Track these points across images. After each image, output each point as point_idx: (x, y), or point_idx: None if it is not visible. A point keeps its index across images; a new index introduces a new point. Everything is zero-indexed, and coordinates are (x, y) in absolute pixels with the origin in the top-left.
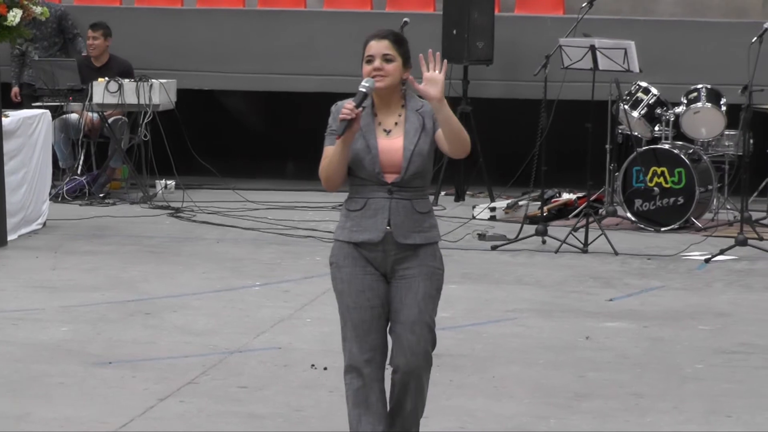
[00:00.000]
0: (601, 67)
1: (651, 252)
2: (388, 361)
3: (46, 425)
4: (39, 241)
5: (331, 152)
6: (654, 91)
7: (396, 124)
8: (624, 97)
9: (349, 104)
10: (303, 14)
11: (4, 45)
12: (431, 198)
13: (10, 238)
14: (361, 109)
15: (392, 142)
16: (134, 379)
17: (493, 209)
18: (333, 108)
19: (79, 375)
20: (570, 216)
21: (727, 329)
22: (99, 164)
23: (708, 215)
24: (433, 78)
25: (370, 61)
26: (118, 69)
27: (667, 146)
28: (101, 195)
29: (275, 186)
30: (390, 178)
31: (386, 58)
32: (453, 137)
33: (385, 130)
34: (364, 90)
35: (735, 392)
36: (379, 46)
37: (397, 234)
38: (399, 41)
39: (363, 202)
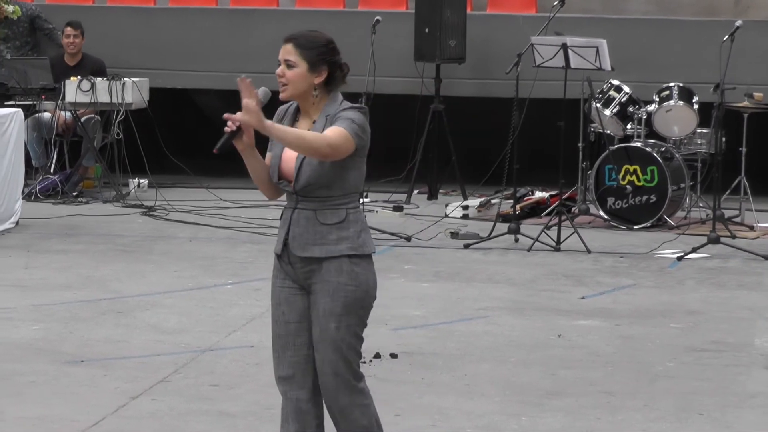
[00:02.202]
0: (573, 66)
1: (623, 250)
2: None
3: (17, 424)
4: (11, 239)
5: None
6: (626, 89)
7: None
8: (596, 96)
9: (236, 116)
10: (275, 13)
11: None
12: (351, 209)
13: None
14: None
15: (293, 151)
16: (106, 377)
17: (465, 207)
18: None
19: (51, 374)
20: (543, 214)
21: (699, 327)
22: (72, 163)
23: (680, 213)
24: (247, 106)
25: (279, 64)
26: (91, 67)
27: (639, 144)
28: (74, 194)
29: (248, 185)
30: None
31: (287, 64)
32: (301, 151)
33: None
34: None
35: (706, 390)
36: (283, 50)
37: (294, 246)
38: (304, 45)
39: (282, 211)
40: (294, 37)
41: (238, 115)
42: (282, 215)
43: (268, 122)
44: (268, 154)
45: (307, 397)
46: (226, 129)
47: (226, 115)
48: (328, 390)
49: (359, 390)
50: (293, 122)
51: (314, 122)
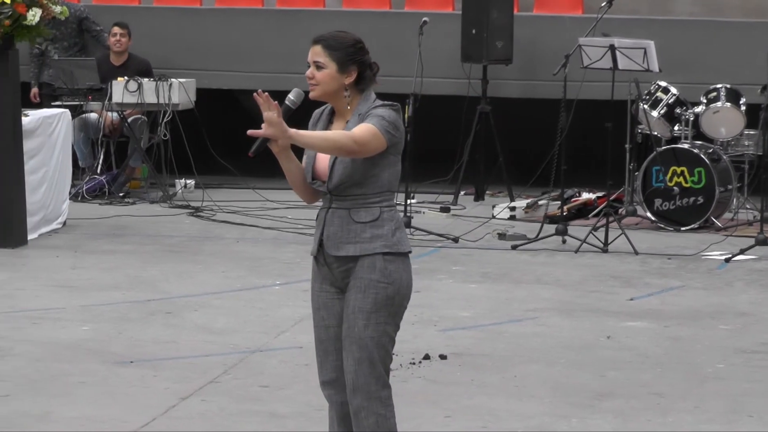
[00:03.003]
0: (620, 67)
1: (671, 251)
2: None
3: (67, 424)
4: (59, 240)
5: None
6: (673, 90)
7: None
8: (643, 97)
9: (259, 132)
10: (322, 14)
11: (24, 44)
12: (385, 207)
13: (30, 237)
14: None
15: None
16: (155, 378)
17: (512, 209)
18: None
19: (101, 374)
20: (590, 216)
21: (748, 329)
22: (118, 163)
23: (728, 215)
24: (269, 119)
25: (309, 66)
26: (137, 67)
27: (686, 146)
28: (121, 194)
29: None
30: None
31: (317, 65)
32: (330, 151)
33: None
34: (288, 103)
35: (756, 392)
36: (312, 52)
37: (329, 245)
38: (332, 46)
39: (318, 212)
40: (322, 38)
41: (262, 128)
42: (317, 216)
43: (292, 131)
44: (304, 157)
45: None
46: (250, 132)
47: (249, 132)
48: (349, 388)
49: (379, 398)
50: (328, 124)
51: (347, 122)
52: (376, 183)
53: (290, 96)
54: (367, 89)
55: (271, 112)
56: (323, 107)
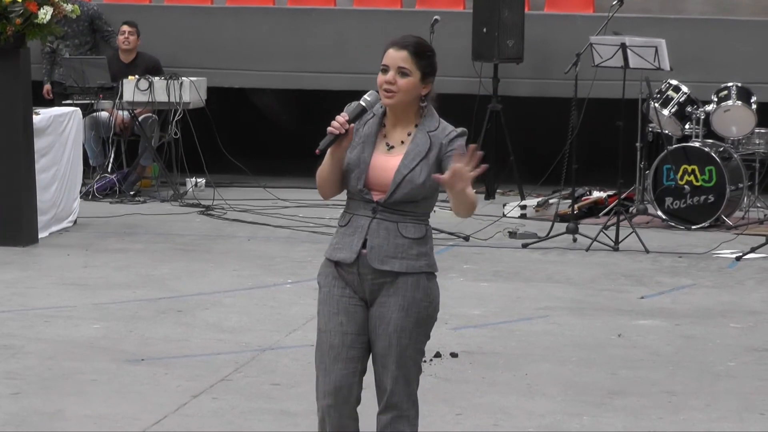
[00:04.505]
0: (631, 65)
1: (682, 250)
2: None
3: (79, 422)
4: (70, 238)
5: (326, 158)
6: (684, 89)
7: (402, 142)
8: (654, 96)
9: (341, 117)
10: (333, 12)
11: (36, 43)
12: (428, 226)
13: (41, 235)
14: (352, 125)
15: (389, 160)
16: (167, 376)
17: (523, 207)
18: (346, 107)
19: (112, 372)
20: (601, 214)
21: (759, 327)
22: (129, 162)
23: (738, 213)
24: (462, 174)
25: (384, 70)
26: (146, 65)
27: (697, 144)
28: (132, 193)
29: (306, 184)
30: (377, 196)
31: (401, 71)
32: (460, 208)
33: (387, 145)
34: (363, 104)
35: (767, 390)
36: (396, 57)
37: (372, 257)
38: (420, 54)
39: (349, 218)
40: (409, 44)
41: (445, 176)
42: (348, 222)
43: (468, 187)
44: (353, 160)
45: (349, 412)
46: (332, 130)
47: (339, 116)
48: (388, 407)
49: (408, 417)
50: (378, 130)
51: (409, 134)
52: (428, 203)
53: (366, 97)
54: (430, 102)
55: (467, 168)
56: (369, 114)
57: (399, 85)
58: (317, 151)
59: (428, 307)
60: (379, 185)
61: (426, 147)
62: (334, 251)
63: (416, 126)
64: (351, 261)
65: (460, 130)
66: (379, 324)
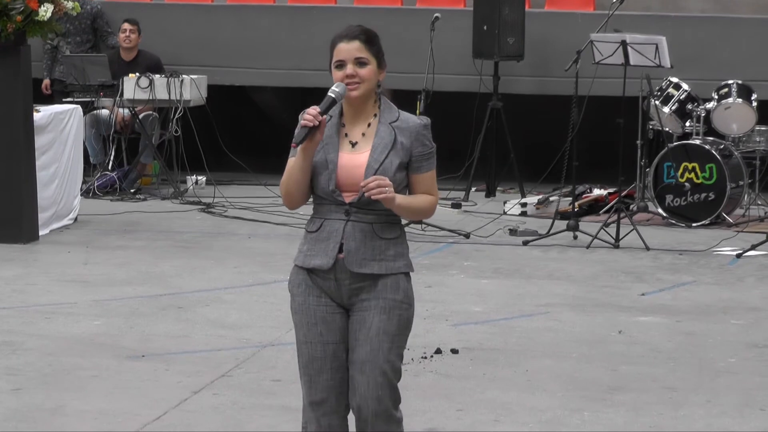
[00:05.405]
0: (632, 63)
1: (682, 247)
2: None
3: (80, 418)
4: (70, 236)
5: (291, 165)
6: (685, 86)
7: (363, 135)
8: (655, 93)
9: (312, 110)
10: (334, 10)
11: (36, 41)
12: (401, 225)
13: (41, 233)
14: (326, 117)
15: (355, 157)
16: (167, 372)
17: (524, 205)
18: (300, 116)
19: (113, 368)
20: (601, 212)
21: (759, 324)
22: (130, 160)
23: (739, 211)
24: (385, 194)
25: (340, 66)
26: (146, 63)
27: (698, 142)
28: (132, 190)
29: None
30: (348, 197)
31: (359, 62)
32: (406, 217)
33: (350, 142)
34: (333, 95)
35: None
36: (350, 49)
37: (350, 261)
38: (371, 41)
39: (320, 223)
40: (359, 34)
41: (372, 185)
42: (320, 227)
43: (398, 198)
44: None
45: (338, 422)
46: (305, 123)
47: (311, 109)
48: (367, 414)
49: (397, 420)
50: (337, 133)
51: (369, 125)
52: None
53: (334, 88)
54: (384, 89)
55: (383, 182)
56: (337, 101)
57: (361, 75)
58: (293, 144)
59: (408, 310)
60: (351, 184)
61: (391, 139)
62: (307, 258)
63: (375, 116)
64: (328, 267)
65: (424, 120)
66: (360, 329)
